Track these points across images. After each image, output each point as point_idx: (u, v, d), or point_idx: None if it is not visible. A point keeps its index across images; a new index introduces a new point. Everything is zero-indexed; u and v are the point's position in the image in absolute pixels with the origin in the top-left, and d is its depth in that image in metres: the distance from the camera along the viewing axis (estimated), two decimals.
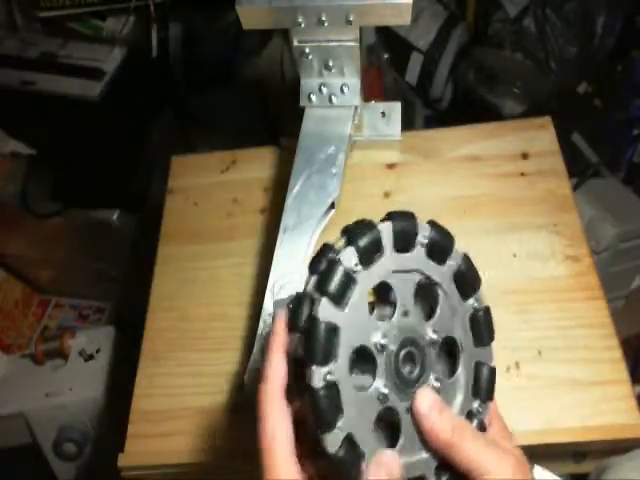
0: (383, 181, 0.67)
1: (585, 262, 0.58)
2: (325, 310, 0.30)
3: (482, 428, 0.35)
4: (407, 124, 0.69)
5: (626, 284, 1.12)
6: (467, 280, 0.35)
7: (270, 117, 1.16)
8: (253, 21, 0.56)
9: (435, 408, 0.33)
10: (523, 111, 1.08)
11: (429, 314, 0.35)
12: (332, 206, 0.56)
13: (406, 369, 0.33)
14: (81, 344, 1.03)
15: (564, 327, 0.55)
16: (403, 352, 0.33)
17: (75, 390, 0.98)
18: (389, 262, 0.32)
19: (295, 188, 0.56)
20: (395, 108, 0.69)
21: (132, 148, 1.10)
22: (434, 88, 1.19)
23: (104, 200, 1.08)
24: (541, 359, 0.53)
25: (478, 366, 0.36)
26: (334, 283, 0.30)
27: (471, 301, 0.36)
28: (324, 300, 0.30)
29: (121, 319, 1.24)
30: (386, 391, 0.32)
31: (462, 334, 0.35)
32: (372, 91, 1.14)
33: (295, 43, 0.58)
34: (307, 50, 0.58)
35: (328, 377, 0.29)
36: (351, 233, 0.32)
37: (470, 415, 0.35)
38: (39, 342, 1.05)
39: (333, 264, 0.31)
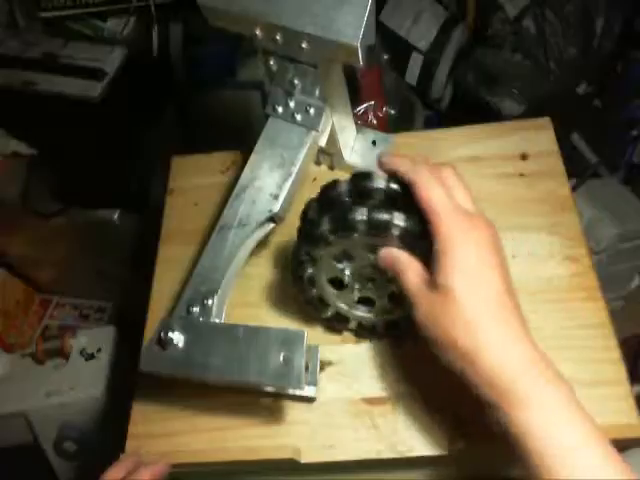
0: None
1: (584, 262, 0.58)
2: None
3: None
4: (407, 124, 0.69)
5: (625, 284, 1.12)
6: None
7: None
8: (216, 20, 0.53)
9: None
10: (522, 111, 1.08)
11: None
12: (272, 220, 0.54)
13: None
14: (82, 343, 1.03)
15: (563, 327, 0.55)
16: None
17: (76, 389, 0.99)
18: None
19: (238, 191, 0.55)
20: (386, 140, 0.67)
21: (133, 148, 1.10)
22: (434, 88, 1.19)
23: (105, 200, 1.08)
24: None
25: None
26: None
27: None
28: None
29: (122, 319, 1.24)
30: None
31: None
32: (372, 91, 1.14)
33: (259, 52, 0.54)
34: (271, 62, 0.54)
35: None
36: None
37: None
38: (40, 341, 1.05)
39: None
